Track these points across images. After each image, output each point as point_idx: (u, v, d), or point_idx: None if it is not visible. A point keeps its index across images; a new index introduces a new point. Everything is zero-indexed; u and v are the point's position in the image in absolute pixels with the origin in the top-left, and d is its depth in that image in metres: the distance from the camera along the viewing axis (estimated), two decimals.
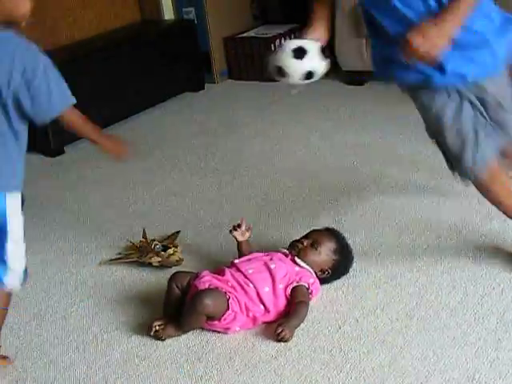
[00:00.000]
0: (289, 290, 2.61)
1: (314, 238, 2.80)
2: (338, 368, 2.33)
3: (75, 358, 2.55)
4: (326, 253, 2.77)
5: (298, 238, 2.85)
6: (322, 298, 2.70)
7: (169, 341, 2.55)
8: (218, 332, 2.57)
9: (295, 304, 2.58)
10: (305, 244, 2.78)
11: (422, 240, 3.03)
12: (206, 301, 2.49)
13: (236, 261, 2.75)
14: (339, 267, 2.79)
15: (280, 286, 2.61)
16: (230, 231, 2.91)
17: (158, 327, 2.56)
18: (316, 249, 2.76)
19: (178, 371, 2.42)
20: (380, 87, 5.10)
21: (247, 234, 2.91)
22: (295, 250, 2.77)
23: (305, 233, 2.87)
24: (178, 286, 2.66)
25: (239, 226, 2.90)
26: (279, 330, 2.48)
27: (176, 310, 2.62)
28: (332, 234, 2.85)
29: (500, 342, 2.35)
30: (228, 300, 2.53)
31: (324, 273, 2.75)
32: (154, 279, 2.99)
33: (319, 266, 2.74)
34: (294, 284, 2.63)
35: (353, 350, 2.41)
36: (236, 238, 2.89)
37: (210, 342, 2.54)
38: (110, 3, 5.57)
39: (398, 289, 2.71)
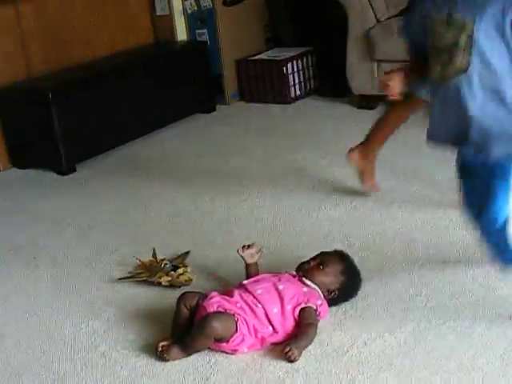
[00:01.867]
0: (297, 311, 2.61)
1: (321, 258, 2.81)
2: None
3: (83, 376, 2.56)
4: (333, 273, 2.77)
5: (306, 259, 2.86)
6: (331, 320, 2.71)
7: (176, 360, 2.56)
8: (226, 352, 2.57)
9: (304, 325, 2.58)
10: (311, 264, 2.79)
11: (431, 265, 3.03)
12: (215, 324, 2.50)
13: (244, 282, 2.75)
14: (346, 288, 2.79)
15: (288, 307, 2.61)
16: (238, 250, 2.92)
17: (162, 348, 2.57)
18: (323, 269, 2.76)
19: None
20: None
21: (256, 257, 2.91)
22: (302, 270, 2.78)
23: (314, 255, 2.88)
24: (186, 306, 2.66)
25: (249, 246, 2.91)
26: (287, 349, 2.48)
27: (184, 330, 2.63)
28: (339, 255, 2.86)
29: (508, 368, 2.34)
30: (237, 322, 2.53)
31: (331, 293, 2.75)
32: (163, 299, 2.99)
33: (326, 287, 2.74)
34: (302, 305, 2.63)
35: (360, 373, 2.41)
36: (244, 259, 2.90)
37: (217, 363, 2.54)
38: (125, 25, 5.62)
39: (406, 312, 2.71)
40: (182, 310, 2.66)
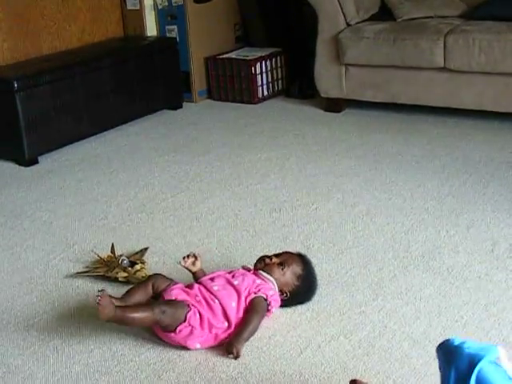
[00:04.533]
0: (248, 301, 2.63)
1: (284, 258, 2.81)
2: None
3: (35, 370, 2.53)
4: (290, 275, 2.77)
5: (269, 254, 2.85)
6: (286, 322, 2.70)
7: (130, 356, 2.54)
8: (180, 350, 2.56)
9: (247, 313, 2.60)
10: (273, 261, 2.79)
11: (388, 269, 3.04)
12: (163, 307, 2.50)
13: (200, 279, 2.74)
14: (298, 294, 2.79)
15: (242, 299, 2.63)
16: (180, 263, 2.86)
17: (101, 293, 2.44)
18: (282, 269, 2.76)
19: None
20: (357, 115, 5.17)
21: (198, 263, 2.86)
22: (261, 263, 2.78)
23: (277, 252, 2.89)
24: (153, 286, 2.67)
25: (188, 257, 2.86)
26: (228, 348, 2.51)
27: (134, 301, 2.63)
28: (302, 260, 2.85)
29: None
30: (187, 313, 2.53)
31: (282, 294, 2.75)
32: (119, 295, 2.96)
33: (280, 286, 2.74)
34: (252, 296, 2.64)
35: (313, 376, 2.40)
36: (188, 269, 2.86)
37: (171, 361, 2.53)
38: (95, 18, 5.61)
39: (361, 316, 2.72)
40: (147, 286, 2.66)
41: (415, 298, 2.82)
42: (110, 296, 2.49)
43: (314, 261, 2.89)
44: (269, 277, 2.73)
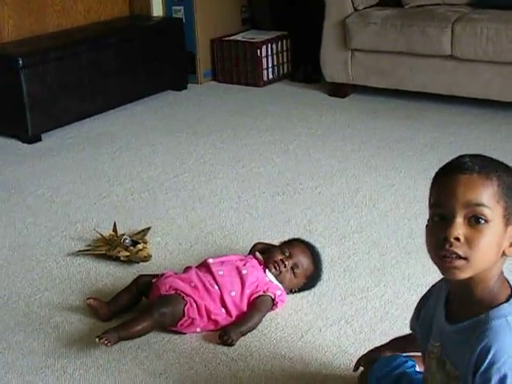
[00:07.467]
0: (253, 297, 2.61)
1: (297, 260, 2.75)
2: (298, 376, 2.33)
3: (35, 346, 2.53)
4: (301, 277, 2.75)
5: (274, 244, 2.82)
6: (287, 306, 2.70)
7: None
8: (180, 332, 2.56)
9: (250, 309, 2.59)
10: (287, 267, 2.72)
11: (391, 255, 3.03)
12: (162, 310, 2.50)
13: (210, 260, 2.72)
14: (305, 287, 2.79)
15: (247, 291, 2.61)
16: None
17: (105, 338, 2.42)
18: (295, 274, 2.73)
19: (137, 367, 2.40)
20: (362, 100, 5.15)
21: None
22: (276, 269, 2.72)
23: (277, 238, 2.89)
24: (138, 287, 2.68)
25: None
26: (222, 334, 2.49)
27: (122, 306, 2.65)
28: (315, 259, 2.81)
29: None
30: (184, 307, 2.52)
31: (291, 291, 2.76)
32: (120, 273, 2.97)
33: (290, 287, 2.74)
34: (261, 293, 2.62)
35: (314, 359, 2.40)
36: None
37: (171, 341, 2.53)
38: None
39: (363, 302, 2.71)
40: (132, 289, 2.68)
41: (417, 284, 2.81)
42: (109, 334, 2.45)
43: (316, 245, 2.88)
44: (279, 285, 2.70)
